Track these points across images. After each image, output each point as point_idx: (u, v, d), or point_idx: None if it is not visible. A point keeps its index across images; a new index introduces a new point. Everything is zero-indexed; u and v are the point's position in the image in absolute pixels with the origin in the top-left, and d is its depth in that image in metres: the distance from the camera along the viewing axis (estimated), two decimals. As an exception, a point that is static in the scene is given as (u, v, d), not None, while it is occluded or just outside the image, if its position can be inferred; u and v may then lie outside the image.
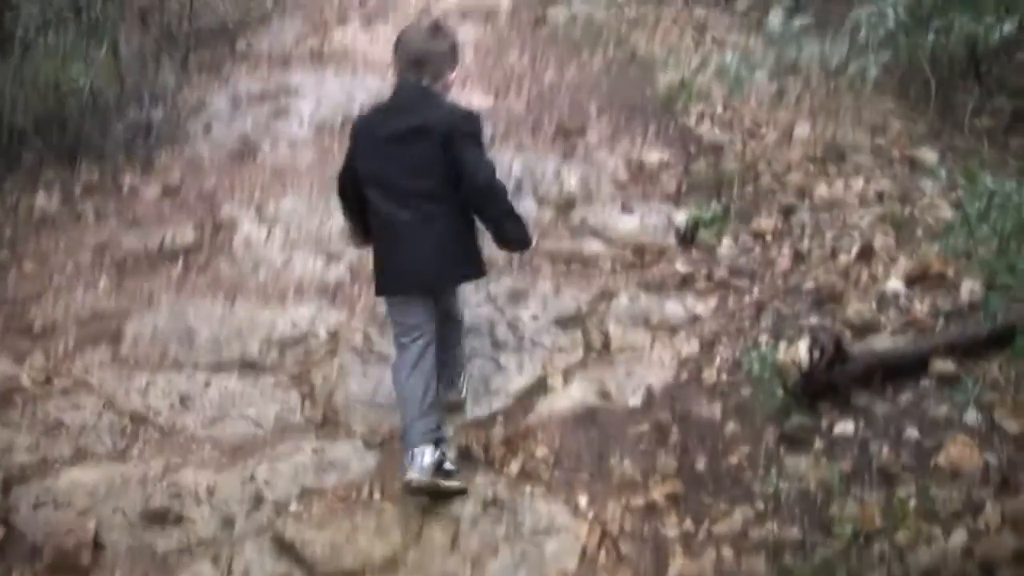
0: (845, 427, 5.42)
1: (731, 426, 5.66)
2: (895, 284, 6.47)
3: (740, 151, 8.30)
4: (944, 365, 5.58)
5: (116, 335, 6.83)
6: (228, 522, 5.37)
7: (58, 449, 5.85)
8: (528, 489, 5.42)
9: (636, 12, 11.87)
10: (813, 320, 6.33)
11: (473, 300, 6.75)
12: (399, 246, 5.50)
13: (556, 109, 9.68)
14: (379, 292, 5.79)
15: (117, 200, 8.56)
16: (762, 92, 8.88)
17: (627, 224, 7.65)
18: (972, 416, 5.28)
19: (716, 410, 5.80)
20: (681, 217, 7.60)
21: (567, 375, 6.28)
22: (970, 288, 6.18)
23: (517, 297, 6.87)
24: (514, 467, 5.56)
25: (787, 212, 7.47)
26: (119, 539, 5.27)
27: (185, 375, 6.45)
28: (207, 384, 6.36)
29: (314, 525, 5.30)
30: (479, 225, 5.63)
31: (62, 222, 8.26)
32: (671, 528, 5.12)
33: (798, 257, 7.01)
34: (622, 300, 6.85)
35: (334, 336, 6.71)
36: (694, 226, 7.44)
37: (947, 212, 7.09)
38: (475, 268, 5.76)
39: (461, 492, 5.39)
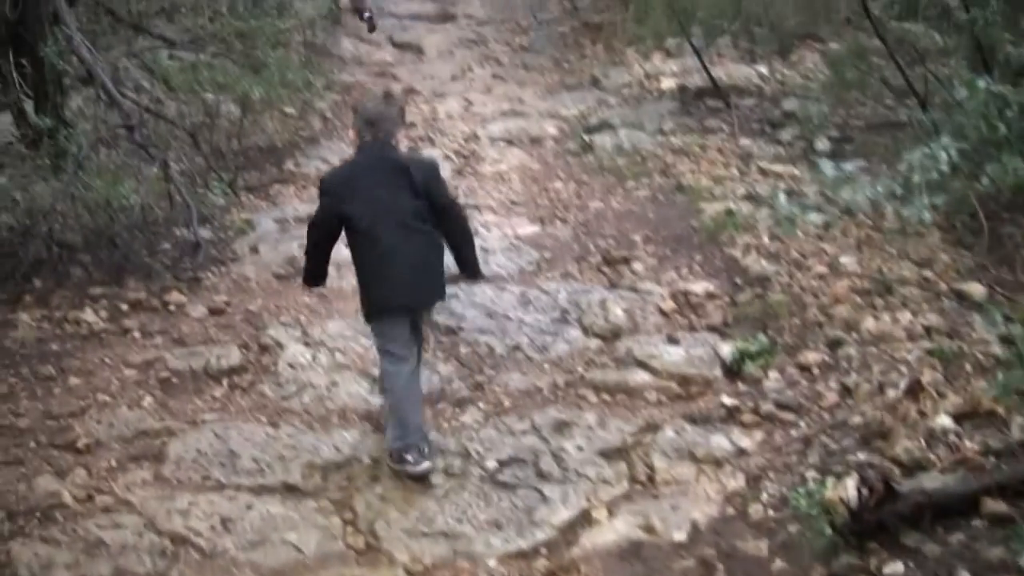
0: (895, 568, 5.30)
1: (778, 564, 5.58)
2: (944, 420, 6.36)
3: (787, 283, 8.28)
4: (996, 505, 5.47)
5: (159, 454, 6.83)
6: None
7: (97, 568, 5.81)
8: (571, 623, 5.36)
9: (681, 141, 11.95)
10: (861, 456, 6.24)
11: (518, 428, 6.73)
12: (392, 269, 6.50)
13: (602, 238, 9.73)
14: (376, 314, 6.70)
15: (163, 318, 8.62)
16: (808, 224, 8.86)
17: (673, 355, 7.62)
18: (1027, 560, 5.17)
19: (763, 547, 5.72)
20: (727, 349, 7.58)
21: (611, 508, 6.22)
22: (1021, 425, 6.09)
23: (562, 428, 6.84)
24: (558, 601, 5.50)
25: (834, 345, 7.42)
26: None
27: (227, 497, 6.42)
28: (249, 507, 6.32)
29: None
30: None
31: (108, 338, 8.31)
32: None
33: (845, 391, 6.95)
34: (667, 432, 6.80)
35: (377, 462, 6.67)
36: (740, 358, 7.42)
37: (996, 348, 7.01)
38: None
39: None
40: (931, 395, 6.64)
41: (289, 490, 6.49)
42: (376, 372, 7.38)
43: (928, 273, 8.22)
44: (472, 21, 19.71)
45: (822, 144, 11.56)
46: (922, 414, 6.50)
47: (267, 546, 6.04)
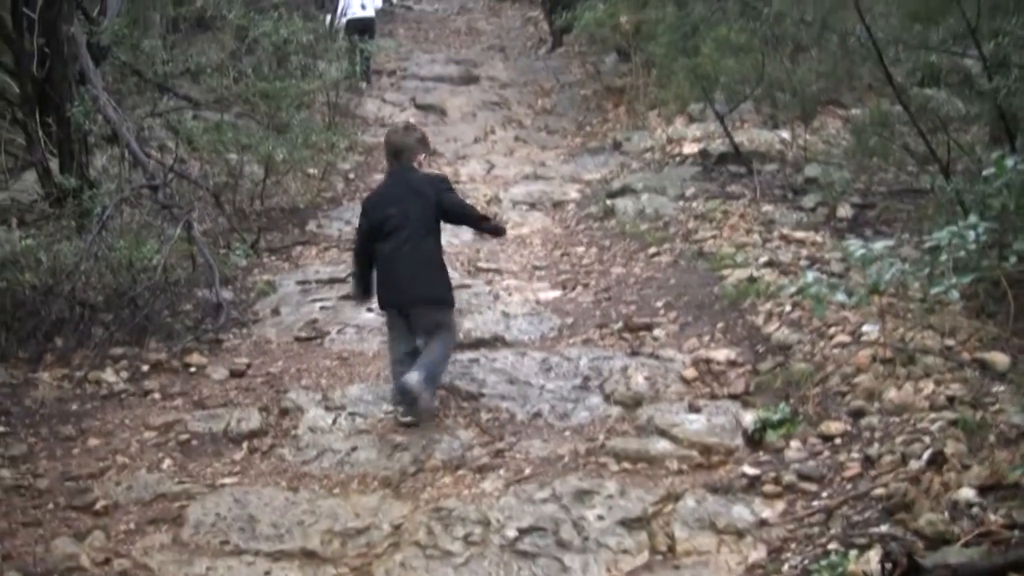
0: (919, 644, 5.26)
1: (801, 638, 5.52)
2: (968, 493, 6.29)
3: (809, 351, 8.24)
4: (1022, 581, 5.43)
5: (178, 518, 6.80)
6: None
7: (115, 633, 5.80)
8: None
9: (703, 206, 11.97)
10: (884, 528, 6.18)
11: (538, 496, 6.69)
12: (392, 275, 7.85)
13: (623, 304, 9.73)
14: (381, 307, 8.20)
15: (184, 380, 8.64)
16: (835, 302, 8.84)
17: (694, 424, 7.57)
18: (1053, 638, 5.11)
19: (786, 620, 5.66)
20: (749, 418, 7.53)
21: (632, 579, 6.15)
22: (1046, 499, 6.04)
23: (582, 496, 6.78)
24: (577, 673, 5.45)
25: (856, 415, 7.37)
26: None
27: (245, 563, 6.38)
28: (267, 573, 6.28)
29: None
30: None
31: (128, 399, 8.34)
32: None
33: (867, 462, 6.88)
34: (688, 502, 6.73)
35: (397, 529, 6.62)
36: (762, 427, 7.37)
37: (1019, 418, 6.97)
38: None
39: None
40: (954, 466, 6.58)
41: (308, 556, 6.43)
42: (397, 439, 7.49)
43: (951, 342, 8.17)
44: (495, 83, 19.88)
45: (844, 211, 11.57)
46: (945, 486, 6.44)
47: (285, 613, 6.01)
